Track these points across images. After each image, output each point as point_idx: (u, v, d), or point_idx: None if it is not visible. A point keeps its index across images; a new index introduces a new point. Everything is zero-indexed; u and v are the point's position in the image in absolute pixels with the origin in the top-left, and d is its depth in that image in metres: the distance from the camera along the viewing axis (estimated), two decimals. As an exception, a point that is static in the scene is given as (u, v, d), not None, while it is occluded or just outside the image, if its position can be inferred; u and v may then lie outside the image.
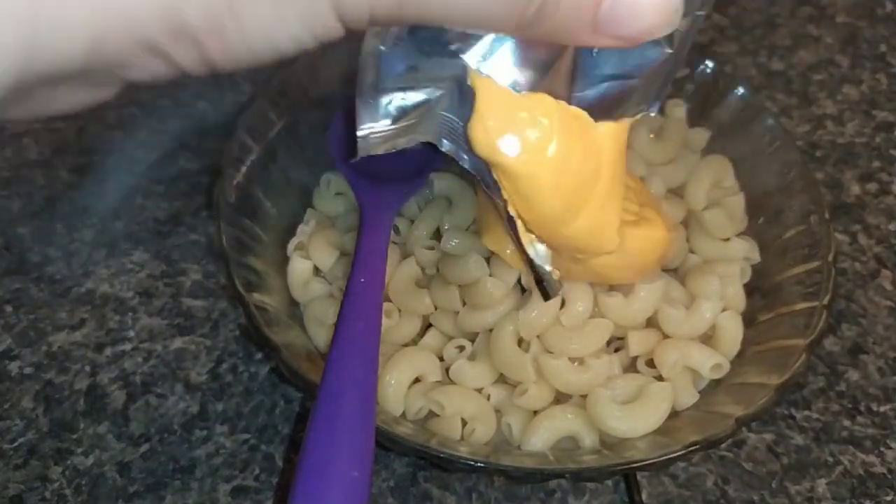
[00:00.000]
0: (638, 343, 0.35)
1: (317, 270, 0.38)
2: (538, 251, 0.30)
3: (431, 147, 0.42)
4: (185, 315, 0.40)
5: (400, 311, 0.36)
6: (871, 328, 0.40)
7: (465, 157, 0.28)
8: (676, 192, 0.40)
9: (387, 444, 0.30)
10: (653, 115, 0.30)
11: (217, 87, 0.50)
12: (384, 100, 0.27)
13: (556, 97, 0.27)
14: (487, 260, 0.35)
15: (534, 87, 0.27)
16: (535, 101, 0.27)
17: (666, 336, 0.35)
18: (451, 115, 0.27)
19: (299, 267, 0.37)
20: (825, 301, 0.33)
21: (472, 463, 0.29)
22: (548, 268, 0.30)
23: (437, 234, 0.37)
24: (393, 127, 0.27)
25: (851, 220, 0.45)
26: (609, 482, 0.35)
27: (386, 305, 0.35)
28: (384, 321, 0.33)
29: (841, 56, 0.54)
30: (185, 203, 0.44)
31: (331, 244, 0.38)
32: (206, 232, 0.43)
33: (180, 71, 0.17)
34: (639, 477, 0.35)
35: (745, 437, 0.36)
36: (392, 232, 0.36)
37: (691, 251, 0.38)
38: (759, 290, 0.37)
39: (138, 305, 0.40)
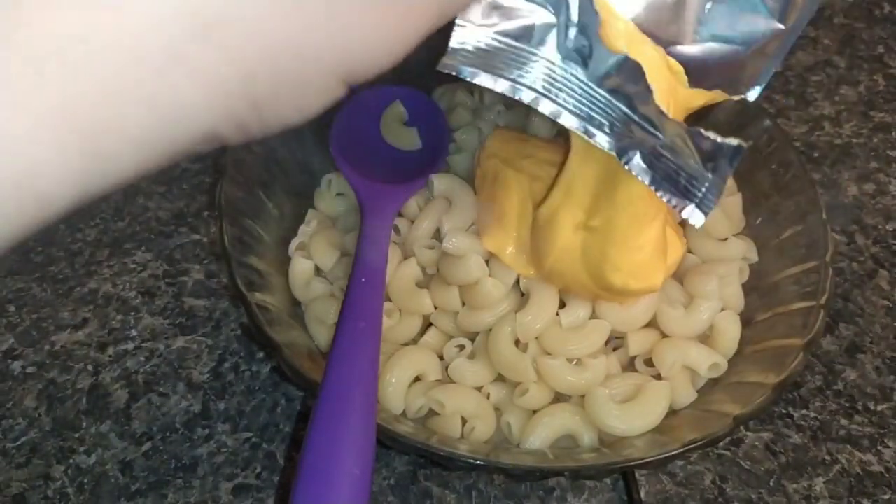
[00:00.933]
0: (637, 343, 0.35)
1: (318, 270, 0.38)
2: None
3: (433, 146, 0.42)
4: (187, 314, 0.40)
5: (400, 311, 0.36)
6: (869, 328, 0.41)
7: (567, 112, 0.26)
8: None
9: (387, 442, 0.30)
10: (751, 99, 0.29)
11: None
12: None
13: (659, 41, 0.27)
14: (487, 262, 0.35)
15: (639, 21, 0.27)
16: (643, 39, 0.27)
17: (665, 335, 0.35)
18: (552, 62, 0.25)
19: (301, 267, 0.37)
20: (822, 301, 0.33)
21: (472, 461, 0.29)
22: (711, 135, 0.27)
23: (438, 234, 0.37)
24: (492, 38, 0.25)
25: (849, 221, 0.45)
26: (608, 480, 0.35)
27: (386, 305, 0.35)
28: (385, 321, 0.33)
29: (838, 57, 0.54)
30: (188, 203, 0.44)
31: (332, 244, 0.38)
32: (208, 232, 0.43)
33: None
34: (637, 475, 0.35)
35: (743, 435, 0.37)
36: (392, 232, 0.37)
37: (690, 251, 0.38)
38: (757, 289, 0.37)
39: (140, 305, 0.40)
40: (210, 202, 0.44)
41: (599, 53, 0.25)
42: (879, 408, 0.38)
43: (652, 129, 0.26)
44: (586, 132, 0.26)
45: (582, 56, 0.26)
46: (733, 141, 0.26)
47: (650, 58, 0.27)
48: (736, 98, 0.29)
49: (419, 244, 0.37)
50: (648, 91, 0.25)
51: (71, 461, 0.35)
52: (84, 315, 0.40)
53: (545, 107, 0.26)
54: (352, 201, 0.40)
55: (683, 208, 0.26)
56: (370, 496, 0.26)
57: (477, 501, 0.34)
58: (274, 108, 0.18)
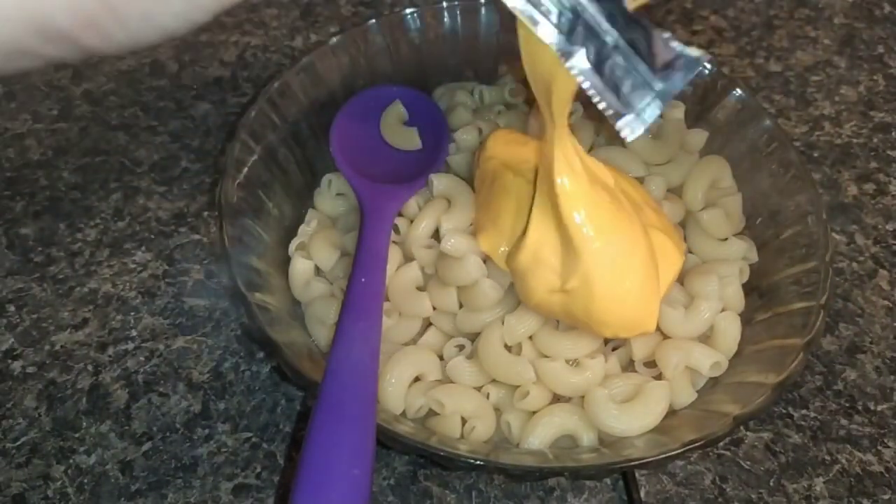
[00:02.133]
0: (640, 348, 0.35)
1: (318, 270, 0.38)
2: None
3: (433, 146, 0.42)
4: (187, 314, 0.40)
5: (399, 312, 0.36)
6: (869, 328, 0.41)
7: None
8: (674, 193, 0.40)
9: (387, 442, 0.30)
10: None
11: (219, 88, 0.51)
12: None
13: None
14: (486, 263, 0.35)
15: None
16: None
17: (665, 336, 0.35)
18: None
19: (301, 267, 0.37)
20: (822, 301, 0.33)
21: (472, 461, 0.29)
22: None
23: (437, 234, 0.37)
24: None
25: (849, 221, 0.45)
26: (608, 480, 0.35)
27: (386, 305, 0.35)
28: (384, 321, 0.33)
29: (838, 57, 0.54)
30: (188, 203, 0.44)
31: (332, 244, 0.38)
32: (209, 232, 0.43)
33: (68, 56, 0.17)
34: (637, 475, 0.35)
35: (742, 435, 0.37)
36: (392, 232, 0.37)
37: (690, 251, 0.38)
38: (757, 289, 0.37)
39: (141, 305, 0.40)
40: (210, 202, 0.44)
41: None
42: (879, 408, 0.38)
43: (605, 25, 0.24)
44: (531, 19, 0.24)
45: None
46: (694, 52, 0.23)
47: None
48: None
49: (418, 244, 0.37)
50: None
51: (71, 461, 0.35)
52: (84, 315, 0.40)
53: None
54: (352, 201, 0.40)
55: (620, 118, 0.24)
56: (370, 496, 0.26)
57: (477, 501, 0.34)
58: (118, 20, 0.16)
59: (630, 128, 0.24)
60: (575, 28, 0.24)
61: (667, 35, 0.23)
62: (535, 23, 0.24)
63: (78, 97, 0.50)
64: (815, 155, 0.48)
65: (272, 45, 0.53)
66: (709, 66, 0.41)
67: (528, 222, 0.32)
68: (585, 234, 0.30)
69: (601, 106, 0.24)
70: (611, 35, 0.24)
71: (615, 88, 0.24)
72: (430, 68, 0.45)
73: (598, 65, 0.24)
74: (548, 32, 0.24)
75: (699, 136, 0.42)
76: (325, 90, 0.41)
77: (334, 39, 0.42)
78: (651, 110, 0.24)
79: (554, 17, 0.24)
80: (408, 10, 0.43)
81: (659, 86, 0.24)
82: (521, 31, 0.27)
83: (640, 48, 0.24)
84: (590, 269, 0.30)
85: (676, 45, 0.23)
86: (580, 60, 0.24)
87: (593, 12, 0.24)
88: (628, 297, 0.31)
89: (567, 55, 0.24)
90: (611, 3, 0.24)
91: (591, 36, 0.24)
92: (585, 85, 0.24)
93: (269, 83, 0.39)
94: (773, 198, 0.39)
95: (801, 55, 0.54)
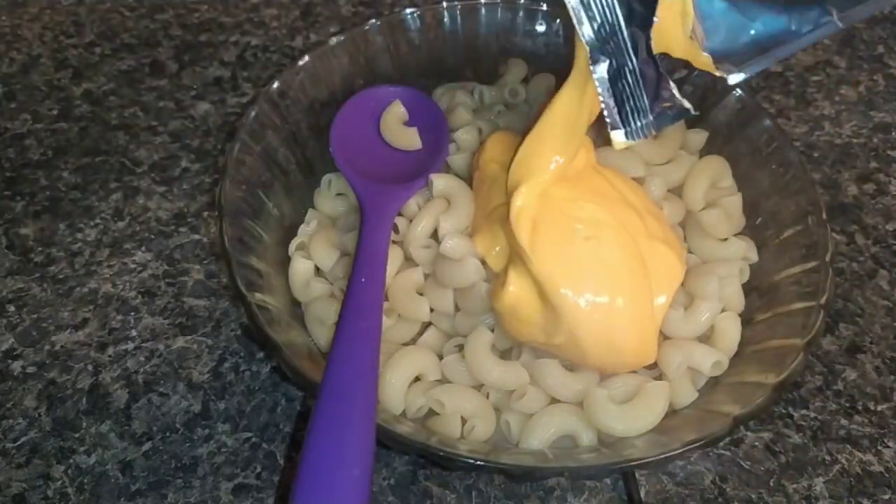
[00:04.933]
0: None
1: (318, 270, 0.38)
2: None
3: (433, 146, 0.42)
4: (188, 314, 0.40)
5: (399, 314, 0.36)
6: (869, 328, 0.41)
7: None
8: (674, 193, 0.40)
9: (387, 442, 0.30)
10: (731, 81, 0.30)
11: (219, 88, 0.51)
12: None
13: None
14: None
15: None
16: None
17: (666, 337, 0.35)
18: None
19: (301, 267, 0.37)
20: (822, 301, 0.33)
21: (472, 461, 0.29)
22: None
23: (436, 234, 0.37)
24: None
25: (849, 221, 0.45)
26: (608, 480, 0.35)
27: (386, 305, 0.35)
28: (384, 320, 0.33)
29: (838, 57, 0.54)
30: (188, 203, 0.44)
31: (332, 244, 0.38)
32: (209, 232, 0.43)
33: None
34: (637, 475, 0.35)
35: (743, 435, 0.37)
36: (392, 231, 0.37)
37: (689, 251, 0.38)
38: (757, 289, 0.37)
39: (141, 305, 0.40)
40: (210, 202, 0.44)
41: None
42: (880, 408, 0.38)
43: (631, 51, 0.28)
44: (577, 17, 0.28)
45: None
46: (686, 103, 0.28)
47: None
48: (718, 74, 0.29)
49: (416, 244, 0.37)
50: (650, 21, 0.27)
51: (71, 461, 0.35)
52: (84, 315, 0.40)
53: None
54: (352, 201, 0.40)
55: (614, 128, 0.29)
56: (370, 496, 0.26)
57: (477, 501, 0.34)
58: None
59: (620, 139, 0.29)
60: (609, 41, 0.28)
61: (672, 83, 0.28)
62: (581, 21, 0.28)
63: (78, 97, 0.50)
64: (815, 155, 0.48)
65: (272, 45, 0.53)
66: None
67: (506, 274, 0.32)
68: (562, 293, 0.30)
69: (604, 112, 0.29)
70: (632, 61, 0.28)
71: (620, 104, 0.29)
72: (430, 68, 0.45)
73: (614, 80, 0.28)
74: (588, 32, 0.28)
75: (699, 136, 0.42)
76: (325, 90, 0.41)
77: (334, 39, 0.42)
78: (640, 133, 0.29)
79: (596, 25, 0.28)
80: (408, 10, 0.43)
81: (651, 118, 0.29)
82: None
83: (648, 82, 0.28)
84: (573, 326, 0.31)
85: (676, 92, 0.28)
86: (603, 69, 0.28)
87: (626, 36, 0.28)
88: (621, 344, 0.31)
89: (595, 61, 0.28)
90: (641, 36, 0.28)
91: (618, 53, 0.28)
92: (599, 89, 0.28)
93: (269, 83, 0.39)
94: (773, 198, 0.39)
95: (801, 55, 0.54)
